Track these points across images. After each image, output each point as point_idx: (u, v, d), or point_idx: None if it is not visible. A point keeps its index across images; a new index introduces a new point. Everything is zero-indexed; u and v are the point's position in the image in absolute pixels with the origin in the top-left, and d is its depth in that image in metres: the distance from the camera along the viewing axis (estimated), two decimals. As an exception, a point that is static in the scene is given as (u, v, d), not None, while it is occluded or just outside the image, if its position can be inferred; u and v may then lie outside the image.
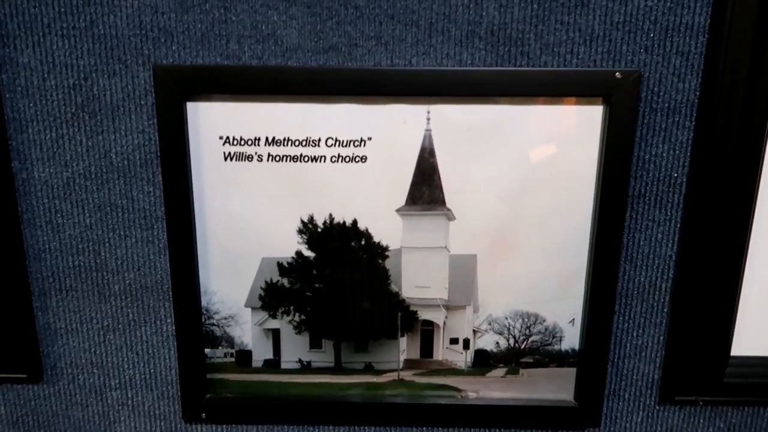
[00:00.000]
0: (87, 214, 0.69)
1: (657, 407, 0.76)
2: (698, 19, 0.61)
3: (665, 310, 0.71)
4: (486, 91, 0.63)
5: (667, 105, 0.64)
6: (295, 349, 0.73)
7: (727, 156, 0.64)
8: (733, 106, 0.63)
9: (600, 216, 0.66)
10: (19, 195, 0.68)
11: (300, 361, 0.73)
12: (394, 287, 0.70)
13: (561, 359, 0.72)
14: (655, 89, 0.64)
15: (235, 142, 0.65)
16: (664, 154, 0.66)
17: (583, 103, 0.64)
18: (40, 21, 0.62)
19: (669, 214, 0.68)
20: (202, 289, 0.70)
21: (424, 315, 0.71)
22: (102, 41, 0.63)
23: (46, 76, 0.64)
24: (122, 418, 0.77)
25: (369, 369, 0.73)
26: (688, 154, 0.66)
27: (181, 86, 0.63)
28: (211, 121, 0.65)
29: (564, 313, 0.71)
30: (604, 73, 0.62)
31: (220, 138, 0.65)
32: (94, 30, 0.63)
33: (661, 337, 0.72)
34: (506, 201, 0.67)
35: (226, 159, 0.66)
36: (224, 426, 0.77)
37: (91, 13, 0.62)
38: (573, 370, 0.73)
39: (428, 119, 0.64)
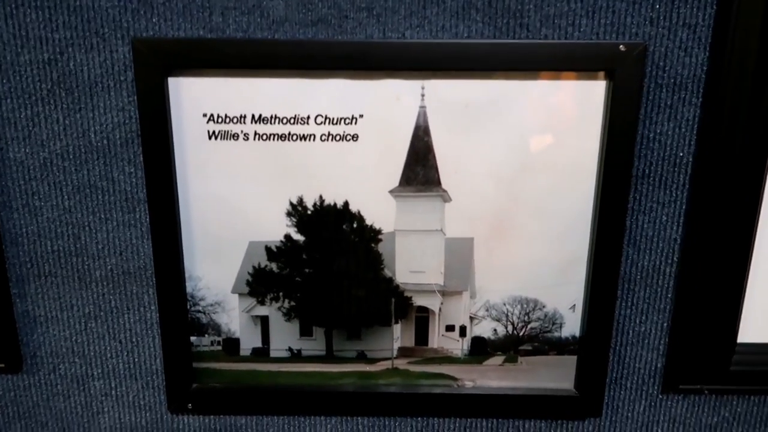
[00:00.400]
0: (66, 197, 0.66)
1: (660, 396, 0.74)
2: (706, -12, 0.59)
3: (669, 295, 0.69)
4: (483, 66, 0.60)
5: (673, 80, 0.62)
6: (284, 336, 0.71)
7: (735, 134, 0.62)
8: (743, 82, 0.60)
9: (602, 197, 0.64)
10: (-7, 176, 0.66)
11: (290, 349, 0.71)
12: (387, 272, 0.68)
13: (561, 347, 0.70)
14: (661, 63, 0.61)
15: (220, 120, 0.63)
16: (670, 132, 0.64)
17: (585, 78, 0.61)
18: (12, -8, 0.60)
19: (674, 195, 0.66)
20: (186, 275, 0.68)
21: (418, 301, 0.69)
22: (78, 13, 0.60)
23: (19, 50, 0.61)
24: (105, 409, 0.75)
25: (362, 357, 0.71)
26: (695, 132, 0.63)
27: (162, 61, 0.60)
28: (194, 98, 0.62)
29: (564, 298, 0.69)
30: (607, 46, 0.60)
31: (204, 115, 0.63)
32: (70, 1, 0.60)
33: (665, 324, 0.70)
34: (505, 181, 0.64)
35: (210, 138, 0.63)
36: (211, 417, 0.75)
37: (66, -17, 0.59)
38: (574, 358, 0.71)
39: (422, 96, 0.62)
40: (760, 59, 0.59)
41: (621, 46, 0.59)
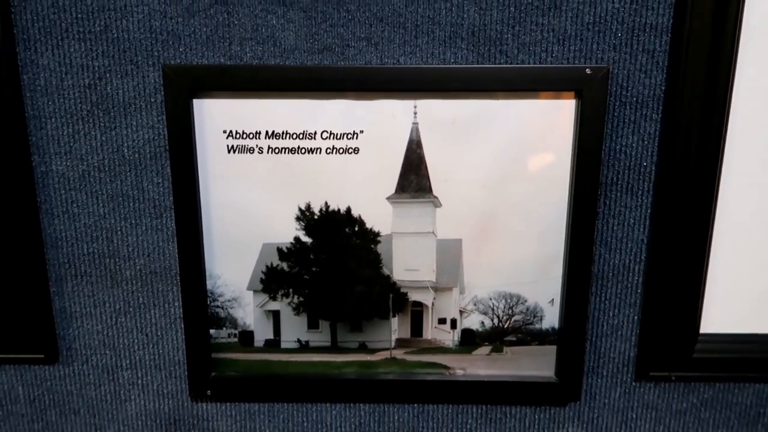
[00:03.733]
0: (101, 204, 0.72)
1: (634, 383, 0.78)
2: (662, 19, 0.65)
3: (639, 290, 0.74)
4: (468, 87, 0.66)
5: (635, 99, 0.68)
6: (294, 329, 0.75)
7: (691, 145, 0.68)
8: (695, 99, 0.66)
9: (575, 202, 0.69)
10: (38, 187, 0.71)
11: (299, 340, 0.76)
12: (385, 270, 0.73)
13: (542, 337, 0.75)
14: (624, 84, 0.67)
15: (238, 136, 0.68)
16: (634, 145, 0.69)
17: (557, 97, 0.67)
18: (58, 26, 0.66)
19: (640, 200, 0.71)
20: (207, 274, 0.72)
21: (414, 296, 0.74)
22: (115, 44, 0.66)
23: (63, 76, 0.67)
24: (132, 397, 0.80)
25: (363, 348, 0.76)
26: (656, 144, 0.69)
27: (187, 84, 0.66)
28: (215, 117, 0.67)
29: (544, 293, 0.74)
30: (576, 69, 0.66)
31: (224, 132, 0.68)
32: (108, 34, 0.66)
33: (636, 317, 0.75)
34: (489, 188, 0.70)
35: (229, 152, 0.69)
36: (228, 403, 0.79)
37: (105, 18, 0.66)
38: (554, 348, 0.75)
39: (415, 113, 0.67)
40: (708, 79, 0.66)
41: (587, 69, 0.65)
